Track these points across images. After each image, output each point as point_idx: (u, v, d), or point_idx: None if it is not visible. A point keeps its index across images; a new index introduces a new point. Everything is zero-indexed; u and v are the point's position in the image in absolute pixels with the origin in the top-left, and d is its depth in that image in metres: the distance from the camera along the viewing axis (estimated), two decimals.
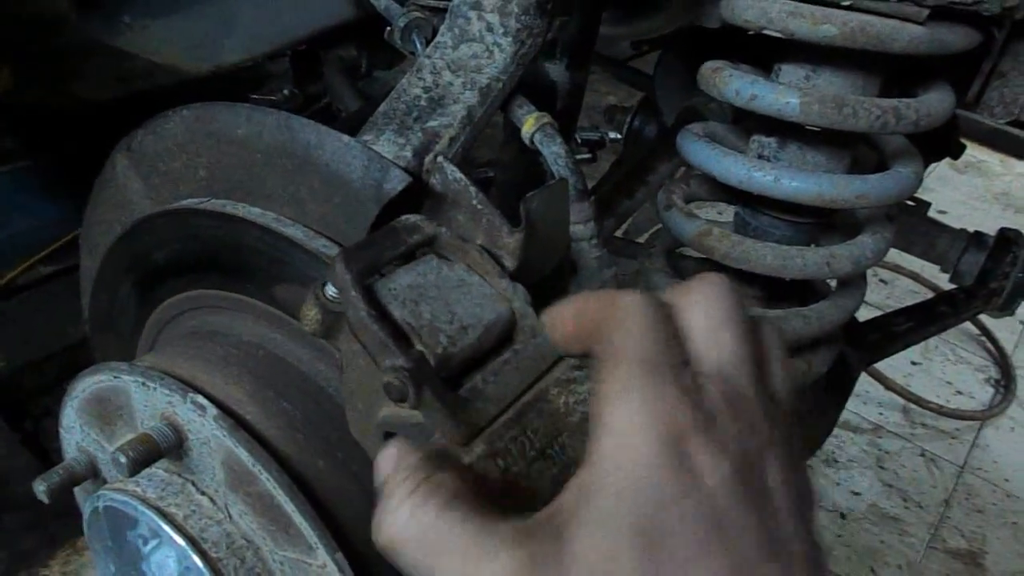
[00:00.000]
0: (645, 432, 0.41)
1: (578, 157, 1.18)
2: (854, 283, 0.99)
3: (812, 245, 0.97)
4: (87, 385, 0.77)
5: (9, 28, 1.46)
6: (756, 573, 0.40)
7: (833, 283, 1.04)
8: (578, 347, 0.52)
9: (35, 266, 2.12)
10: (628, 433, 0.41)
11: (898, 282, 3.20)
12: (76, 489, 0.85)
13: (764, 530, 0.41)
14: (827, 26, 0.76)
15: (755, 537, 0.41)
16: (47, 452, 1.86)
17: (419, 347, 0.56)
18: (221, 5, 1.50)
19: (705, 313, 0.46)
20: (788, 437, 0.46)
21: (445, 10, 0.80)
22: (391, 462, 0.48)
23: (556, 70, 1.00)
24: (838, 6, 0.76)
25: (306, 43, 1.60)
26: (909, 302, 1.41)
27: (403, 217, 0.63)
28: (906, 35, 0.76)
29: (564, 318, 0.53)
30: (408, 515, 0.44)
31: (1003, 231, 1.31)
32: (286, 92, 2.23)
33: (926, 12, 0.75)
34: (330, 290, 0.58)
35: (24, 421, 1.92)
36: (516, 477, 0.52)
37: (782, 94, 0.81)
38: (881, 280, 3.19)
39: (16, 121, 2.11)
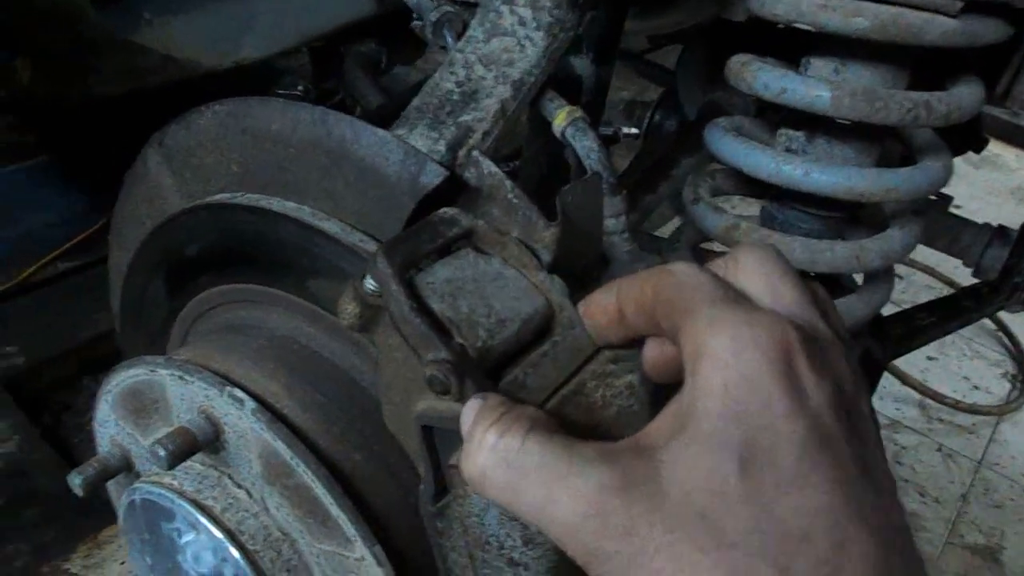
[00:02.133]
0: (750, 350, 0.41)
1: None
2: (881, 278, 0.99)
3: (839, 239, 0.97)
4: (122, 379, 0.77)
5: (28, 22, 1.47)
6: (858, 494, 0.40)
7: (859, 278, 1.04)
8: (618, 334, 0.53)
9: (53, 262, 2.13)
10: (732, 354, 0.41)
11: (914, 277, 3.19)
12: (108, 483, 0.85)
13: (859, 452, 0.42)
14: (859, 19, 0.76)
15: (855, 459, 0.41)
16: (67, 446, 1.88)
17: (459, 340, 0.56)
18: (242, 1, 1.51)
19: (760, 269, 0.47)
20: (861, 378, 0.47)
21: (476, 4, 0.80)
22: (474, 409, 0.48)
23: (582, 64, 1.00)
24: None
25: (326, 38, 1.61)
26: (925, 297, 1.42)
27: (441, 210, 0.63)
28: (938, 27, 0.76)
29: (601, 307, 0.53)
30: (493, 443, 0.45)
31: None
32: (300, 88, 2.23)
33: (959, 4, 0.75)
34: (369, 284, 0.59)
35: (43, 416, 1.94)
36: None
37: (813, 87, 0.81)
38: (897, 275, 3.18)
39: (33, 116, 2.12)
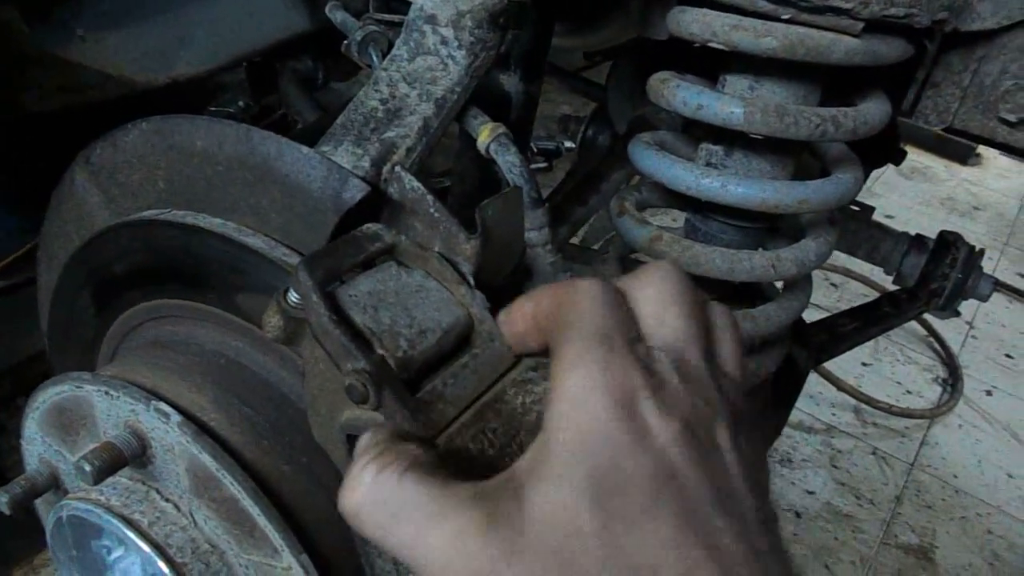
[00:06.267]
0: (598, 394, 0.43)
1: (534, 167, 1.20)
2: (799, 285, 1.03)
3: (759, 249, 1.00)
4: (48, 396, 0.77)
5: None
6: (707, 525, 0.42)
7: (780, 285, 1.08)
8: (536, 341, 0.54)
9: None
10: (582, 395, 0.44)
11: (848, 285, 3.28)
12: (37, 501, 0.85)
13: (714, 487, 0.43)
14: (768, 39, 0.80)
15: (706, 493, 0.43)
16: (1, 468, 1.84)
17: (380, 351, 0.58)
18: (176, 17, 1.50)
19: (654, 294, 0.49)
20: (736, 407, 0.49)
21: (401, 24, 0.82)
22: (364, 442, 0.49)
23: (510, 81, 1.02)
24: (778, 20, 0.79)
25: (261, 55, 1.61)
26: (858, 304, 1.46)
27: (364, 226, 0.65)
28: (843, 47, 0.80)
29: (521, 314, 0.55)
30: (369, 481, 0.45)
31: (943, 234, 1.36)
32: (241, 104, 2.22)
33: (861, 25, 0.78)
34: (292, 297, 0.60)
35: None
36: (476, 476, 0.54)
37: (727, 104, 0.84)
38: (832, 284, 3.27)
39: None
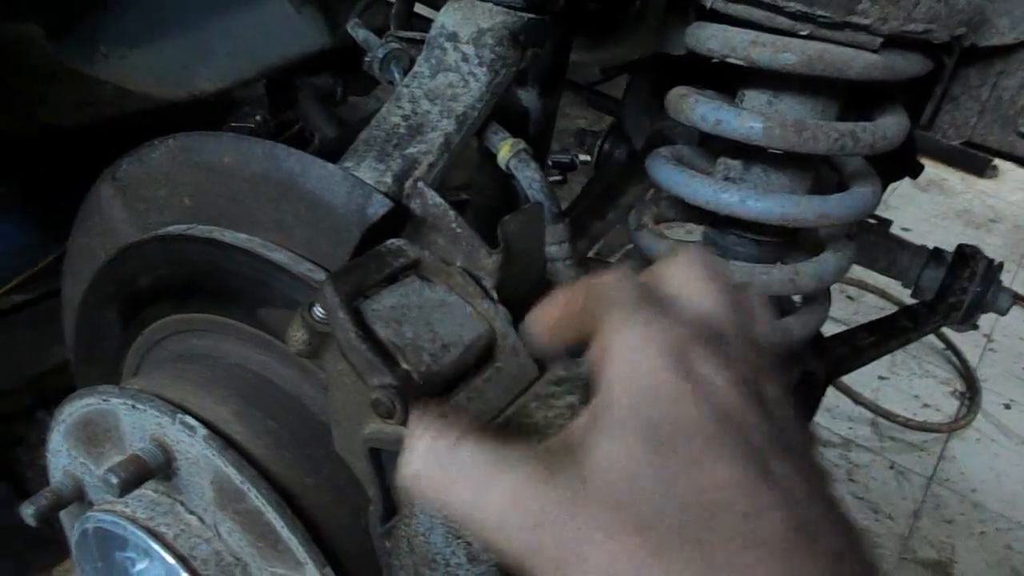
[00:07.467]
0: (650, 348, 0.44)
1: (550, 179, 1.21)
2: (818, 299, 1.03)
3: (778, 263, 1.00)
4: (75, 409, 0.78)
5: None
6: (769, 466, 0.42)
7: (799, 299, 1.08)
8: (566, 334, 0.54)
9: (6, 295, 2.11)
10: (635, 352, 0.44)
11: (865, 298, 3.26)
12: (61, 513, 0.86)
13: (770, 430, 0.44)
14: (787, 54, 0.80)
15: (766, 435, 0.43)
16: (21, 480, 1.85)
17: (404, 365, 0.58)
18: (197, 34, 1.52)
19: (683, 275, 0.50)
20: (777, 372, 0.49)
21: (422, 41, 0.83)
22: (414, 420, 0.50)
23: (528, 97, 1.03)
24: (797, 35, 0.80)
25: (281, 71, 1.63)
26: (875, 318, 1.46)
27: (388, 242, 0.66)
28: (861, 62, 0.80)
29: (550, 309, 0.55)
30: (426, 448, 0.46)
31: (961, 247, 1.35)
32: (258, 118, 2.24)
33: (879, 40, 0.79)
34: (317, 311, 0.61)
35: None
36: None
37: (746, 119, 0.84)
38: (848, 297, 3.25)
39: None
